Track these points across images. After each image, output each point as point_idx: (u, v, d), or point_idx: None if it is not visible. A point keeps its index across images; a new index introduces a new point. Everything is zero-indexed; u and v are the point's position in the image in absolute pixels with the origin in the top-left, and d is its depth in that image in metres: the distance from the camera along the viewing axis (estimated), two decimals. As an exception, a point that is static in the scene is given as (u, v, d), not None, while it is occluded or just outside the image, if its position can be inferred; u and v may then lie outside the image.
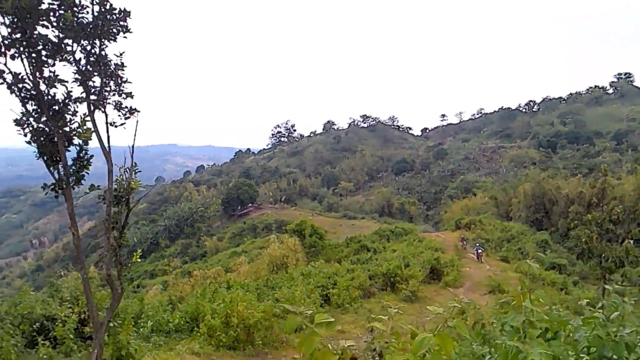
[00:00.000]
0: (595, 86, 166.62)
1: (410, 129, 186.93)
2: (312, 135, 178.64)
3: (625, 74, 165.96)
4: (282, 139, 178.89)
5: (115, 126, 6.25)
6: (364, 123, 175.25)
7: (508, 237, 45.57)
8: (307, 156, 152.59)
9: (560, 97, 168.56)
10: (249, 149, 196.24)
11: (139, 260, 7.13)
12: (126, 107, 6.34)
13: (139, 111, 6.34)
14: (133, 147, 6.19)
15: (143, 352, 7.38)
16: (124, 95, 6.36)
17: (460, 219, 52.87)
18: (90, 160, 6.62)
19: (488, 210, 63.83)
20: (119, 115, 6.32)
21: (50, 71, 6.18)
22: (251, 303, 10.53)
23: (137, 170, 6.55)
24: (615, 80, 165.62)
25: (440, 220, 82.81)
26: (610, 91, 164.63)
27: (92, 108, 6.14)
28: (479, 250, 36.78)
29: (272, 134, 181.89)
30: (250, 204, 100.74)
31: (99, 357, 6.54)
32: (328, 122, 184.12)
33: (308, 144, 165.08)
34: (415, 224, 66.21)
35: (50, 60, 6.09)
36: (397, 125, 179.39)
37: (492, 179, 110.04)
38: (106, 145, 6.10)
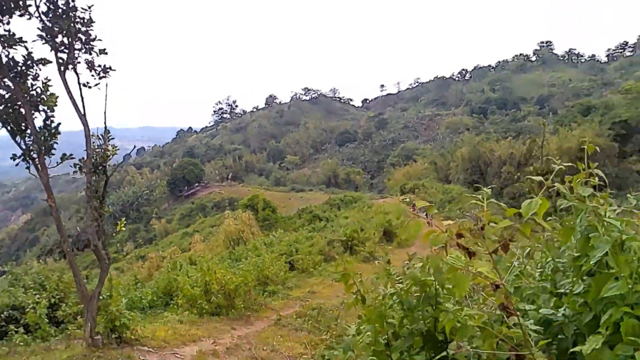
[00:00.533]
0: (520, 54, 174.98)
1: (351, 100, 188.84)
2: (255, 110, 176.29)
3: (547, 42, 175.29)
4: (225, 115, 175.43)
5: (89, 87, 5.92)
6: (306, 96, 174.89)
7: (449, 198, 47.89)
8: (251, 132, 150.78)
9: (490, 65, 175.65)
10: (190, 128, 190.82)
11: (123, 229, 7.15)
12: (100, 65, 5.98)
13: (114, 69, 6.01)
14: (105, 111, 5.96)
15: (137, 322, 7.52)
16: (95, 53, 5.93)
17: (405, 185, 54.87)
18: (59, 129, 6.28)
19: (429, 175, 66.45)
20: (92, 75, 5.94)
21: (5, 30, 5.59)
22: (227, 270, 10.83)
23: (110, 137, 6.37)
24: (538, 48, 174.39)
25: (385, 187, 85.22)
26: (534, 59, 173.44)
27: (62, 68, 5.73)
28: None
29: (214, 111, 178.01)
30: (197, 184, 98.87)
31: (93, 330, 6.63)
32: (270, 96, 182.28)
33: (251, 120, 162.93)
34: (361, 193, 67.86)
35: (5, 17, 5.50)
36: (339, 97, 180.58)
37: (430, 146, 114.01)
38: (81, 108, 5.84)
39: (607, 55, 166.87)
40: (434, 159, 75.12)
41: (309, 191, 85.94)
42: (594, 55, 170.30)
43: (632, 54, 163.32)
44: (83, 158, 6.01)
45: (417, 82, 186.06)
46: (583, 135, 54.52)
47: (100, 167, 5.99)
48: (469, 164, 58.72)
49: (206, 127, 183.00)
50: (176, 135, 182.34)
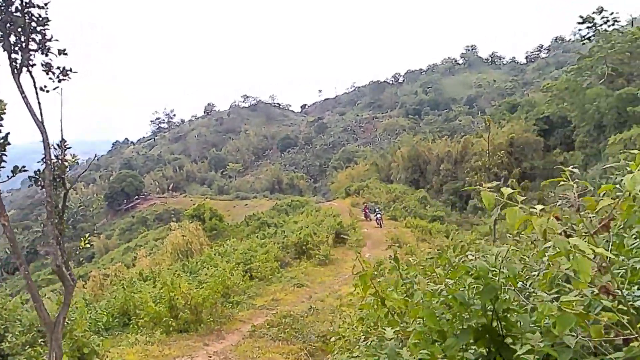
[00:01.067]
0: (449, 58, 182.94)
1: (290, 106, 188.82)
2: (193, 119, 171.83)
3: (472, 46, 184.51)
4: (162, 125, 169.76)
5: (47, 91, 5.34)
6: (245, 103, 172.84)
7: (393, 197, 48.91)
8: (190, 141, 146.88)
9: (421, 69, 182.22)
10: (127, 139, 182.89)
11: (87, 245, 6.55)
12: (58, 67, 5.43)
13: (75, 72, 5.49)
14: (61, 118, 5.40)
15: (106, 347, 6.86)
16: (54, 54, 5.38)
17: (349, 187, 55.46)
18: (8, 139, 5.65)
19: (371, 176, 67.59)
20: (50, 78, 5.39)
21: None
22: (191, 283, 10.26)
23: (67, 146, 5.82)
24: (464, 51, 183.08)
25: (328, 190, 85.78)
26: (461, 62, 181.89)
27: (15, 71, 5.14)
28: (378, 215, 34.69)
29: (151, 121, 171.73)
30: (136, 196, 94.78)
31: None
32: (209, 104, 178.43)
33: (190, 129, 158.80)
34: (307, 197, 67.90)
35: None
36: (278, 104, 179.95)
37: (370, 148, 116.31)
38: (38, 114, 5.26)
39: (526, 57, 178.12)
40: (375, 160, 76.55)
41: (254, 198, 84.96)
42: (514, 58, 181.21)
43: (547, 55, 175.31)
44: (38, 170, 5.41)
45: (354, 86, 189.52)
46: (512, 132, 57.82)
47: (58, 179, 5.42)
48: (409, 164, 60.36)
49: (143, 137, 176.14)
50: (112, 147, 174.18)
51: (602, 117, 46.87)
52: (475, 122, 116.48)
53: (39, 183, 5.38)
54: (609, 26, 49.52)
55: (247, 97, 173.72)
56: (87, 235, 6.65)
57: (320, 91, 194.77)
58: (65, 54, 5.23)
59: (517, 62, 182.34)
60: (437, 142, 62.47)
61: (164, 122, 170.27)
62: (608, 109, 45.60)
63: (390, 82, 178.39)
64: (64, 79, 5.26)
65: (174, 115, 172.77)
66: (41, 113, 5.10)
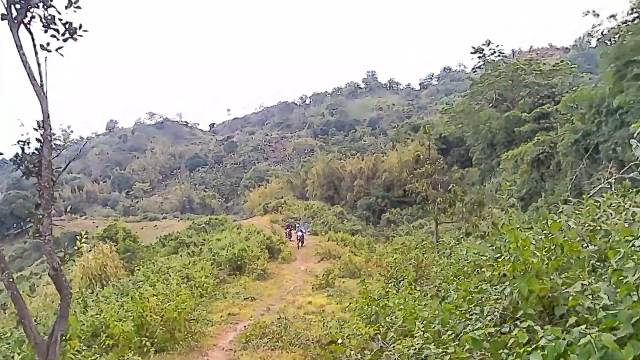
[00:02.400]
0: (352, 82, 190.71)
1: (198, 124, 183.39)
2: (94, 136, 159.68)
3: (372, 72, 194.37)
4: (57, 142, 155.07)
5: (49, 50, 4.31)
6: (151, 120, 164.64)
7: (312, 213, 49.16)
8: (91, 159, 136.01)
9: (326, 91, 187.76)
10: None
11: (84, 245, 5.54)
12: (66, 23, 4.35)
13: (86, 30, 4.48)
14: (45, 91, 4.36)
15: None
16: (54, 8, 4.30)
17: (267, 203, 54.80)
18: None
19: (286, 194, 67.55)
20: (54, 36, 4.32)
21: None
22: (163, 296, 9.09)
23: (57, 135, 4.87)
24: (366, 76, 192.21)
25: (241, 209, 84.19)
26: (363, 86, 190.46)
27: (14, 26, 4.12)
28: (300, 233, 30.93)
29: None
30: (29, 219, 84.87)
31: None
32: (111, 121, 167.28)
33: (91, 146, 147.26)
34: (224, 215, 65.88)
35: None
36: (185, 122, 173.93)
37: (280, 167, 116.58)
38: (37, 78, 4.26)
39: (420, 84, 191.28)
40: (289, 178, 76.75)
41: (163, 219, 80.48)
42: (409, 84, 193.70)
43: (437, 83, 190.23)
44: (18, 154, 4.42)
45: (262, 106, 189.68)
46: (417, 150, 61.42)
47: (45, 164, 4.48)
48: (324, 181, 61.30)
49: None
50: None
51: (494, 137, 51.58)
52: (378, 142, 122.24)
53: (24, 168, 4.43)
54: (495, 57, 55.01)
55: (153, 114, 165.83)
56: (83, 232, 5.67)
57: (229, 110, 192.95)
58: (78, 7, 4.25)
59: (412, 88, 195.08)
60: (349, 159, 64.26)
61: (59, 139, 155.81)
62: (498, 129, 50.33)
63: (298, 104, 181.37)
64: (69, 38, 4.28)
65: (72, 131, 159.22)
66: (41, 76, 4.16)
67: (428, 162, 25.32)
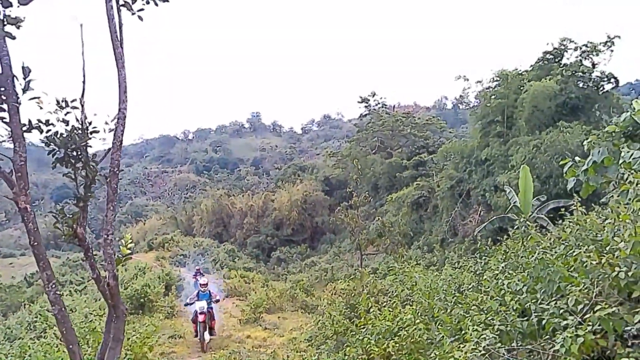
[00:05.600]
0: (236, 121, 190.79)
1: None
2: None
3: (257, 112, 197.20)
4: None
5: (132, 12, 3.58)
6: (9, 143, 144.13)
7: (202, 250, 47.07)
8: None
9: (210, 128, 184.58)
10: None
11: (128, 251, 4.67)
12: None
13: None
14: (84, 64, 3.74)
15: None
16: None
17: (153, 239, 51.17)
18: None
19: (169, 230, 63.85)
20: None
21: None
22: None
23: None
24: (250, 117, 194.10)
25: (118, 245, 77.00)
26: (247, 125, 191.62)
27: None
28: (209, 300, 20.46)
29: None
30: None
31: None
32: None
33: None
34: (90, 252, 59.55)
35: None
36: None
37: (160, 202, 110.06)
38: (118, 38, 3.53)
39: (302, 129, 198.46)
40: (172, 214, 72.83)
41: (22, 256, 69.99)
42: (292, 128, 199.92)
43: (318, 128, 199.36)
44: (58, 133, 3.72)
45: (142, 138, 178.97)
46: (306, 190, 62.97)
47: (80, 155, 3.82)
48: (213, 217, 59.36)
49: None
50: None
51: (377, 180, 55.37)
52: (262, 182, 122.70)
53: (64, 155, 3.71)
54: (379, 107, 59.97)
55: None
56: (128, 235, 4.85)
57: (104, 140, 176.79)
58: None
59: (294, 132, 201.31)
60: (239, 197, 63.40)
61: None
62: (381, 174, 54.25)
63: (180, 138, 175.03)
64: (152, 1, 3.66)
65: None
66: (121, 36, 3.53)
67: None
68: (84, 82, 3.91)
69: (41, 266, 3.58)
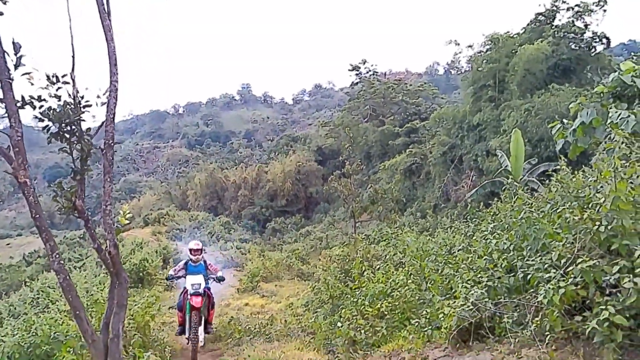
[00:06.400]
0: (226, 93, 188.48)
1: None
2: None
3: (247, 84, 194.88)
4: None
5: None
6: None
7: (197, 224, 47.36)
8: None
9: (200, 102, 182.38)
10: None
11: (126, 221, 4.77)
12: None
13: None
14: (72, 38, 3.74)
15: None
16: None
17: (148, 215, 51.35)
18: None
19: (164, 205, 63.99)
20: None
21: None
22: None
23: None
24: (240, 89, 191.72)
25: (117, 221, 77.29)
26: (237, 98, 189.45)
27: None
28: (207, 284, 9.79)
29: None
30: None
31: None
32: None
33: None
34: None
35: None
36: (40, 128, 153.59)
37: (153, 178, 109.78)
38: (106, 11, 3.56)
39: (293, 99, 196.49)
40: (167, 189, 72.77)
41: (18, 236, 70.11)
42: (283, 98, 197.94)
43: (309, 98, 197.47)
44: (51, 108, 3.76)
45: (131, 114, 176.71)
46: (299, 160, 62.95)
47: (74, 128, 3.86)
48: (207, 191, 59.45)
49: None
50: None
51: (370, 149, 55.41)
52: (255, 154, 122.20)
53: (57, 129, 3.78)
54: (370, 75, 59.41)
55: (3, 117, 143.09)
56: (125, 207, 4.95)
57: (94, 117, 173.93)
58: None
59: (286, 103, 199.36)
60: (233, 170, 63.37)
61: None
62: (374, 142, 54.26)
63: (171, 113, 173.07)
64: None
65: None
66: (108, 13, 3.54)
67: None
68: (73, 56, 3.91)
69: (44, 237, 3.68)
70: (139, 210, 69.96)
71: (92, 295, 11.10)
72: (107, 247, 3.84)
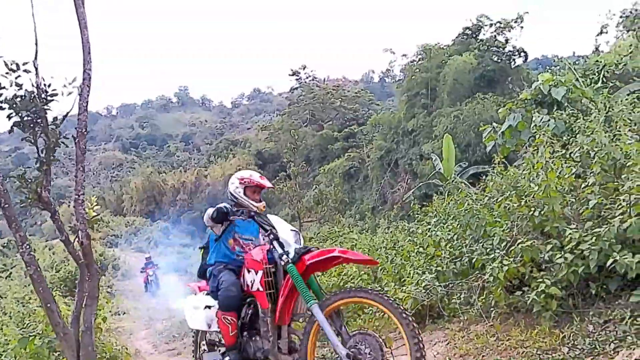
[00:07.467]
0: (163, 95, 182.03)
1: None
2: None
3: (184, 87, 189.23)
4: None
5: None
6: None
7: (134, 230, 45.53)
8: None
9: (135, 103, 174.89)
10: None
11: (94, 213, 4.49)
12: None
13: None
14: (35, 26, 3.62)
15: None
16: None
17: (80, 221, 48.48)
18: None
19: (102, 211, 60.70)
20: None
21: None
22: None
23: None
24: (178, 91, 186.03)
25: (39, 230, 72.11)
26: (175, 100, 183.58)
27: None
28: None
29: None
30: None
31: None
32: None
33: None
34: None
35: None
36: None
37: (85, 182, 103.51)
38: None
39: (232, 103, 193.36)
40: (100, 193, 69.04)
41: None
42: (221, 102, 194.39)
43: (248, 102, 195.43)
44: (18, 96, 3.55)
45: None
46: (239, 164, 62.14)
47: (38, 119, 3.67)
48: (143, 195, 57.13)
49: None
50: None
51: (310, 153, 55.97)
52: (192, 158, 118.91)
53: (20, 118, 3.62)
54: (310, 80, 60.11)
55: None
56: (93, 198, 4.67)
57: (55, 107, 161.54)
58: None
59: (224, 106, 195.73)
60: (171, 173, 61.41)
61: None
62: (314, 146, 54.89)
63: (103, 114, 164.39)
64: None
65: None
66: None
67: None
68: (36, 43, 3.79)
69: (13, 227, 3.54)
70: (69, 217, 65.87)
71: (27, 304, 10.44)
72: (79, 237, 3.74)
